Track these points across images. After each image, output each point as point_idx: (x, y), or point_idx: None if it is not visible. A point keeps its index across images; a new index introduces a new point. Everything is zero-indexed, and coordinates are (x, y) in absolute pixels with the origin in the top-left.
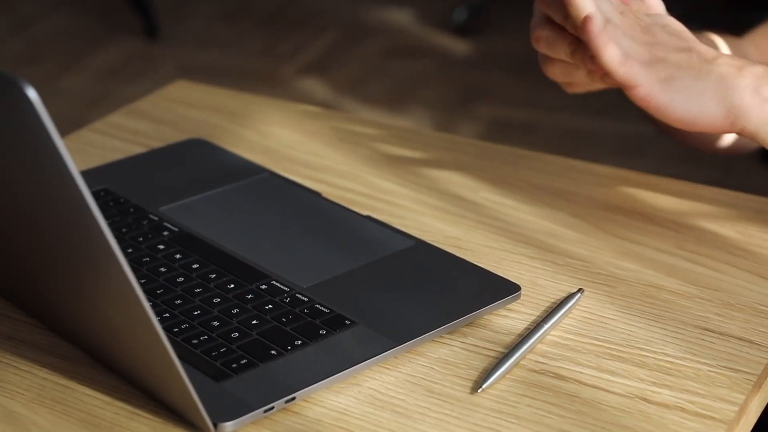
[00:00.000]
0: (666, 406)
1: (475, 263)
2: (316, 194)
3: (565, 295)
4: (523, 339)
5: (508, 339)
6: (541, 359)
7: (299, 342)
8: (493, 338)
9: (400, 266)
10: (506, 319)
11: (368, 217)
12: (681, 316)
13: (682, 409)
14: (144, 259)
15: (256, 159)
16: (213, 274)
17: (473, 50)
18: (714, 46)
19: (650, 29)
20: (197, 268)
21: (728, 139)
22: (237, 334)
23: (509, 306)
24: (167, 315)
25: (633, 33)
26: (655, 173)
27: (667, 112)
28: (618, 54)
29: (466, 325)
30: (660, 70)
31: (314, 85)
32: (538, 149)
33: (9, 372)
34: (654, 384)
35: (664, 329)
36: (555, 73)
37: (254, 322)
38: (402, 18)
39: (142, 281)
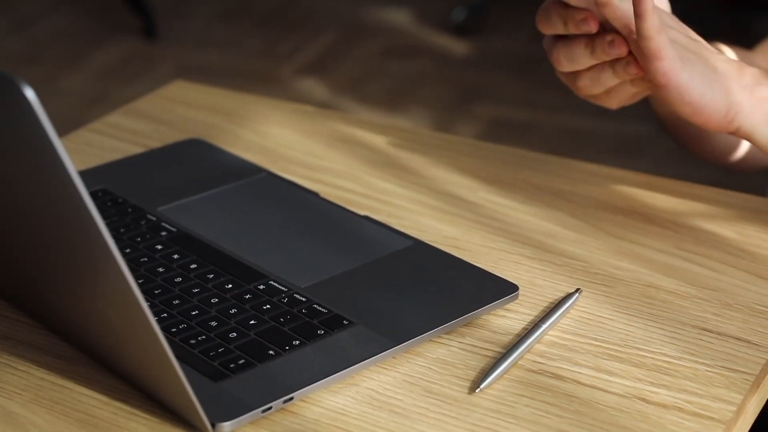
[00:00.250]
0: (664, 406)
1: (473, 263)
2: (314, 194)
3: (563, 295)
4: (521, 339)
5: (506, 339)
6: (539, 359)
7: (297, 342)
8: (491, 338)
9: (398, 266)
10: (504, 319)
11: (366, 217)
12: (679, 316)
13: (680, 409)
14: (142, 259)
15: (254, 159)
16: (211, 274)
17: (472, 50)
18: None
19: (663, 20)
20: (195, 268)
21: (740, 151)
22: (235, 334)
23: (507, 306)
24: (165, 315)
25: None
26: (653, 173)
27: (683, 93)
28: (658, 21)
29: (464, 325)
30: (679, 50)
31: (313, 85)
32: (537, 149)
33: (7, 372)
34: (652, 384)
35: (662, 329)
36: (587, 86)
37: (252, 322)
38: (401, 18)
39: (140, 281)
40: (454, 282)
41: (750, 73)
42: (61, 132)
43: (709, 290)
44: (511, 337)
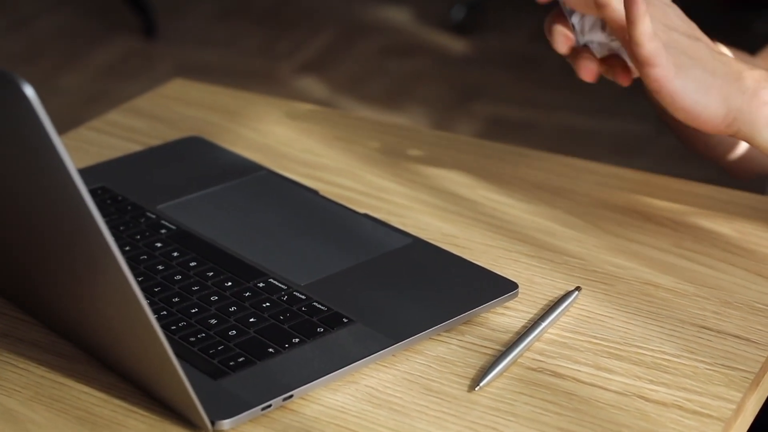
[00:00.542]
0: (663, 404)
1: (472, 261)
2: (314, 192)
3: (562, 293)
4: (520, 337)
5: (506, 337)
6: (538, 357)
7: (297, 340)
8: (491, 336)
9: (397, 264)
10: (503, 317)
11: (366, 215)
12: (678, 314)
13: (680, 407)
14: (141, 257)
15: (254, 157)
16: (210, 272)
17: (471, 48)
18: None
19: (664, 10)
20: (195, 266)
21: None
22: (234, 332)
23: (507, 304)
24: (165, 313)
25: (654, 11)
26: (653, 172)
27: (676, 100)
28: (650, 27)
29: (464, 323)
30: (675, 56)
31: (312, 84)
32: (537, 147)
33: (6, 370)
34: (651, 382)
35: (662, 327)
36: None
37: (252, 320)
38: (400, 16)
39: (140, 279)
40: (454, 280)
41: (750, 77)
42: (61, 130)
43: (708, 288)
44: (511, 335)
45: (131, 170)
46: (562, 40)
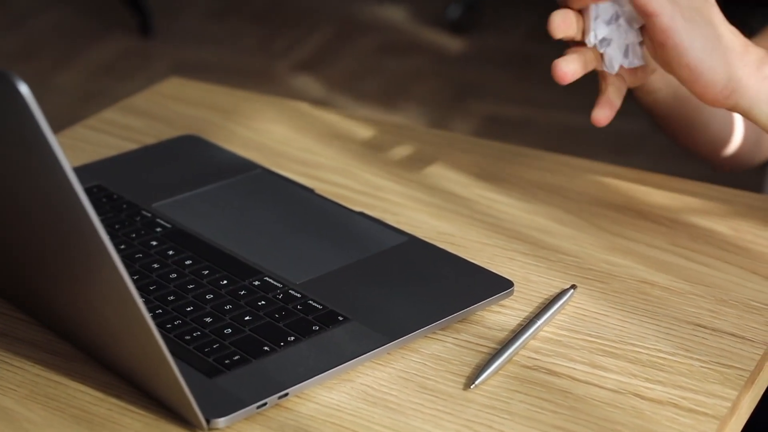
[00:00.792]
0: (659, 402)
1: (468, 259)
2: (310, 191)
3: (557, 291)
4: (515, 335)
5: (501, 335)
6: (533, 355)
7: (292, 338)
8: (486, 334)
9: (393, 262)
10: (499, 315)
11: (361, 214)
12: (674, 313)
13: (675, 405)
14: (137, 256)
15: (250, 155)
16: (206, 270)
17: (467, 47)
18: None
19: None
20: (190, 264)
21: (731, 144)
22: (230, 330)
23: (502, 302)
24: (160, 311)
25: None
26: (649, 170)
27: (681, 54)
28: None
29: (459, 321)
30: (687, 11)
31: (308, 82)
32: (533, 146)
33: (2, 368)
34: (647, 380)
35: (657, 325)
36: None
37: (247, 318)
38: (396, 14)
39: (135, 277)
40: (449, 278)
41: (755, 52)
42: (57, 128)
43: (703, 286)
44: (506, 333)
45: (127, 168)
46: (560, 24)
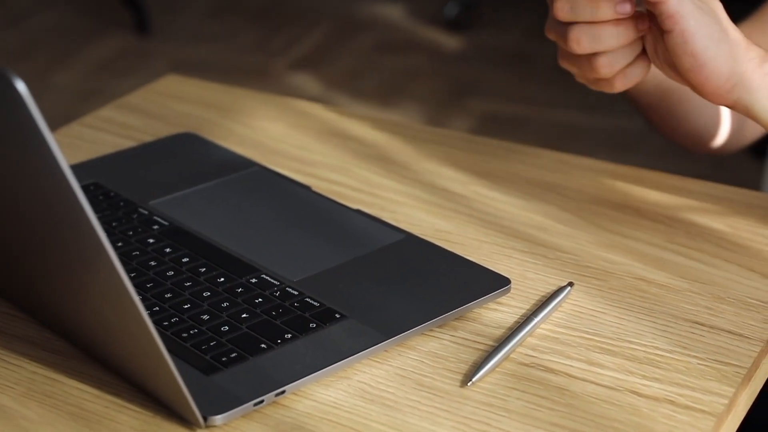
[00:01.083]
0: (656, 399)
1: (465, 257)
2: (307, 188)
3: (555, 288)
4: (513, 332)
5: (498, 332)
6: (531, 353)
7: (289, 335)
8: (483, 332)
9: (390, 260)
10: (496, 312)
11: (358, 211)
12: (671, 310)
13: (672, 402)
14: (134, 253)
15: (247, 153)
16: (203, 267)
17: (465, 45)
18: None
19: None
20: (187, 261)
21: (720, 138)
22: (227, 327)
23: (499, 299)
24: (157, 309)
25: None
26: (646, 168)
27: (687, 41)
28: None
29: (456, 318)
30: (695, 1)
31: (306, 80)
32: (530, 144)
33: None
34: (644, 377)
35: (654, 322)
36: (604, 66)
37: (244, 315)
38: (394, 13)
39: (132, 275)
40: (446, 275)
41: (757, 51)
42: (54, 127)
43: (701, 284)
44: (503, 330)
45: (124, 166)
46: (565, 5)
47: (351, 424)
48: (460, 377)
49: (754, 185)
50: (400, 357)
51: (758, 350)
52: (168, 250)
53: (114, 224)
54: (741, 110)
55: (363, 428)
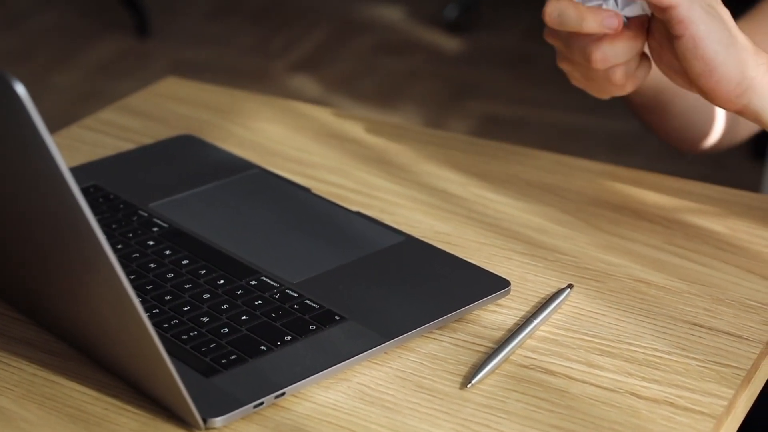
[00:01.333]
0: (655, 400)
1: (464, 259)
2: (306, 190)
3: (554, 290)
4: (512, 334)
5: (498, 334)
6: (530, 354)
7: (289, 337)
8: (483, 334)
9: (389, 262)
10: (496, 314)
11: (358, 213)
12: (670, 312)
13: (671, 404)
14: (134, 255)
15: (246, 155)
16: (203, 270)
17: (464, 47)
18: None
19: None
20: (187, 264)
21: (713, 138)
22: (227, 329)
23: (499, 301)
24: (157, 311)
25: None
26: (645, 169)
27: (698, 43)
28: None
29: (456, 320)
30: (705, 6)
31: (305, 82)
32: (530, 145)
33: None
34: (643, 379)
35: (653, 324)
36: (619, 78)
37: (244, 317)
38: (393, 14)
39: (132, 277)
40: (446, 277)
41: (765, 56)
42: (53, 129)
43: (700, 285)
44: (503, 332)
45: (123, 168)
46: (553, 12)
47: (351, 426)
48: (459, 379)
49: (754, 187)
50: (400, 359)
51: (757, 352)
52: (168, 252)
53: (114, 226)
54: (750, 115)
55: (362, 430)
